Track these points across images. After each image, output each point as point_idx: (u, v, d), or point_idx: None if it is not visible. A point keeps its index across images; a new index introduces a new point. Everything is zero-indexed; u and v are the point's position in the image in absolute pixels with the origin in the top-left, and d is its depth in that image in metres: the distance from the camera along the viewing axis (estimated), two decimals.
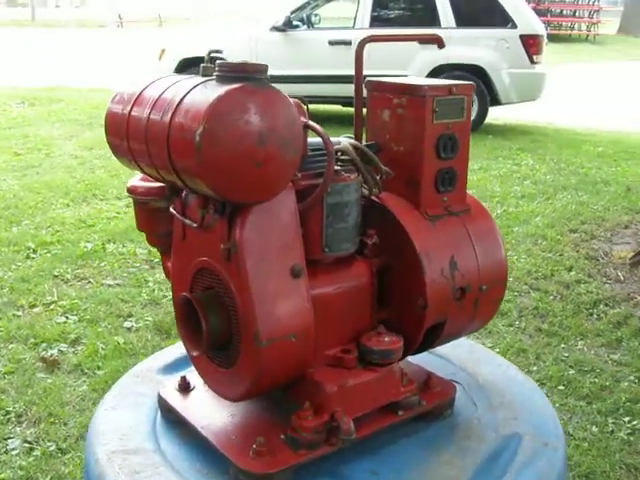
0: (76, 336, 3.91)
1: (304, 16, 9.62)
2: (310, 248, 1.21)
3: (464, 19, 9.13)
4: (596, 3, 25.45)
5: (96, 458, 1.24)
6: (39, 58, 18.86)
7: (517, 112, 10.59)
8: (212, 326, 1.16)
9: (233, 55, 9.15)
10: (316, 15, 10.04)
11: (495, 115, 10.19)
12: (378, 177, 1.29)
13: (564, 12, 24.13)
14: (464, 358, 1.57)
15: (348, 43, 9.14)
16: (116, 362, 3.59)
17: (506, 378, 1.51)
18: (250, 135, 1.02)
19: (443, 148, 1.31)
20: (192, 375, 1.42)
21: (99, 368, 3.58)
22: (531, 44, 9.02)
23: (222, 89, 1.00)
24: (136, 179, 1.40)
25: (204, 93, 1.02)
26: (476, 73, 9.17)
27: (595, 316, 4.35)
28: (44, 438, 2.93)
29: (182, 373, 1.53)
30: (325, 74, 9.21)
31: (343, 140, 1.28)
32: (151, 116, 1.10)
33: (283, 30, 9.14)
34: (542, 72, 9.29)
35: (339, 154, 1.25)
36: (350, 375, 1.24)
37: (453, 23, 9.14)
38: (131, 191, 1.38)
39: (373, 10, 9.21)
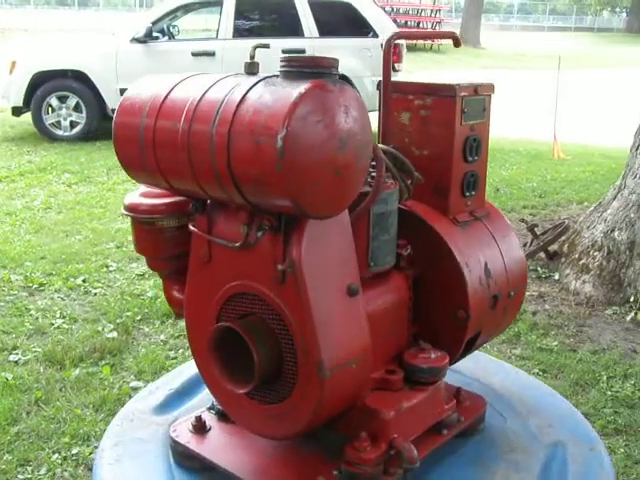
0: None
1: (164, 27, 9.36)
2: None
3: (327, 29, 9.25)
4: (438, 15, 27.01)
5: None
6: None
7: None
8: (263, 358, 1.02)
9: (93, 68, 8.73)
10: (174, 26, 9.81)
11: None
12: (409, 182, 1.21)
13: (408, 23, 25.32)
14: (472, 368, 1.52)
15: (211, 54, 9.00)
16: (7, 400, 3.25)
17: (520, 384, 1.48)
18: (332, 139, 0.90)
19: (469, 151, 1.25)
20: (205, 414, 1.26)
21: None
22: (392, 52, 9.28)
23: (301, 86, 0.88)
24: (135, 195, 1.22)
25: (275, 92, 0.89)
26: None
27: None
28: None
29: (178, 411, 1.38)
30: None
31: None
32: (195, 123, 0.95)
33: (144, 41, 8.81)
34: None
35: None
36: (402, 398, 1.15)
37: (316, 33, 9.24)
38: (131, 209, 1.20)
39: (236, 21, 9.10)
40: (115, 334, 4.17)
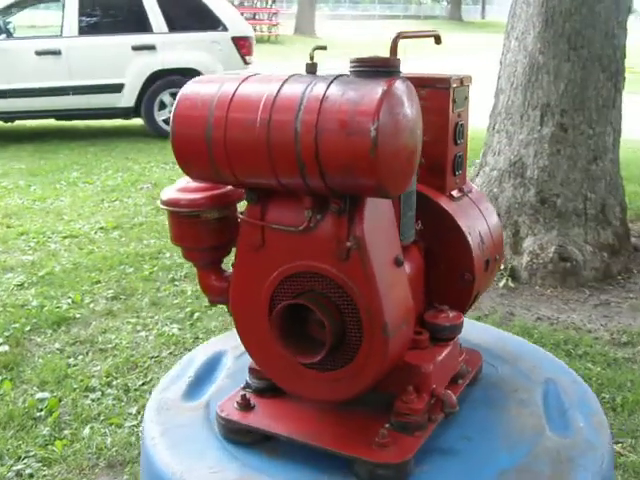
0: None
1: (0, 24, 8.85)
2: None
3: (176, 24, 9.20)
4: (273, 6, 27.36)
5: None
6: None
7: None
8: (333, 326, 1.14)
9: None
10: (9, 23, 9.31)
11: None
12: None
13: (245, 15, 25.49)
14: None
15: (57, 53, 8.66)
16: None
17: (494, 337, 1.68)
18: (406, 129, 1.04)
19: (458, 135, 1.42)
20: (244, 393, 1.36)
21: None
22: (242, 45, 9.42)
23: (381, 83, 1.01)
24: (171, 191, 1.28)
25: (357, 89, 1.01)
26: (193, 76, 9.29)
27: None
28: None
29: (205, 397, 1.46)
30: (33, 87, 8.62)
31: None
32: (275, 118, 1.04)
33: None
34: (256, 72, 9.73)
35: None
36: (434, 353, 1.30)
37: (165, 28, 9.15)
38: (172, 204, 1.26)
39: (80, 17, 8.80)
40: (6, 347, 4.05)
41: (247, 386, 1.38)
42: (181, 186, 1.28)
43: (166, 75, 9.17)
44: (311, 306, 1.13)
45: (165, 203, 1.28)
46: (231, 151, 1.10)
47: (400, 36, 1.34)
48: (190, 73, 9.26)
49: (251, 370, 1.38)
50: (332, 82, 1.04)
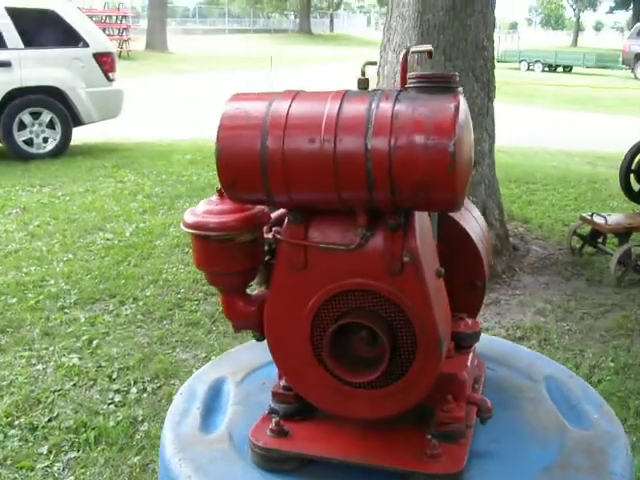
0: None
1: None
2: None
3: (32, 40, 8.73)
4: (123, 21, 26.61)
5: None
6: None
7: (90, 131, 10.47)
8: (389, 343, 1.13)
9: None
10: None
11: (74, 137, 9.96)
12: None
13: None
14: None
15: None
16: None
17: (486, 342, 1.73)
18: (470, 142, 1.06)
19: None
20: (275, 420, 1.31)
21: None
22: (105, 62, 9.10)
23: (451, 98, 1.02)
24: (197, 214, 1.21)
25: (426, 105, 1.01)
26: (54, 94, 8.90)
27: None
28: None
29: (223, 427, 1.40)
30: None
31: None
32: (341, 136, 1.02)
33: None
34: (119, 89, 9.46)
35: None
36: (462, 360, 1.33)
37: (20, 44, 8.65)
38: (201, 227, 1.19)
39: None
40: None
41: (273, 411, 1.33)
42: (207, 209, 1.22)
43: (25, 93, 8.67)
44: (368, 324, 1.12)
45: (192, 227, 1.21)
46: (290, 170, 1.06)
47: (409, 52, 1.36)
48: (51, 91, 8.82)
49: (276, 394, 1.33)
50: (397, 99, 1.04)
